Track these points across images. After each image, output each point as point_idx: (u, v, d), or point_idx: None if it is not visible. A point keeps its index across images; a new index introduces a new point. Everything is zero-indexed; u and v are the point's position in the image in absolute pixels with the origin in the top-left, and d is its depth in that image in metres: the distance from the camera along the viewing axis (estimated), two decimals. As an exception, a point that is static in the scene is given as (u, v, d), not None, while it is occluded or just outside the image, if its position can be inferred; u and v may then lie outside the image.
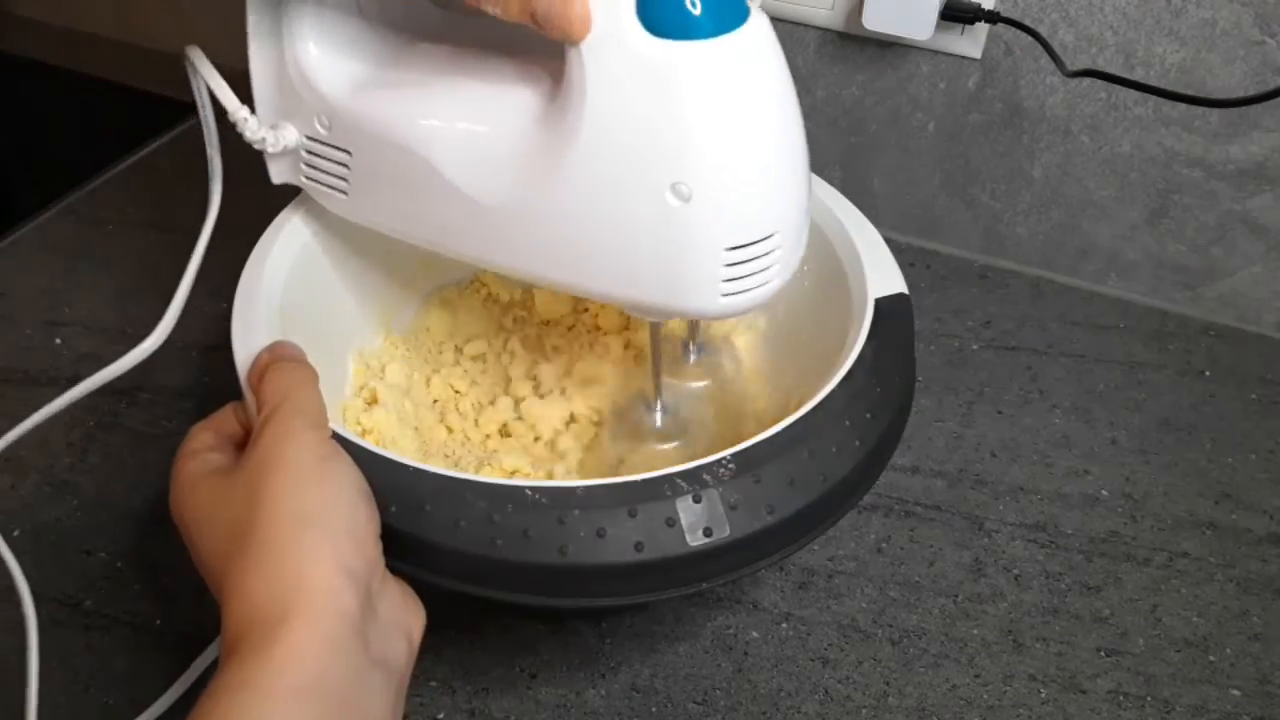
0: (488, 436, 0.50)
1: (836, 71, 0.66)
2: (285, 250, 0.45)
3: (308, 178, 0.44)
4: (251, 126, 0.42)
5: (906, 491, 0.54)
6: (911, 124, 0.67)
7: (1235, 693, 0.46)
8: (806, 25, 0.65)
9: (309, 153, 0.43)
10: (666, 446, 0.46)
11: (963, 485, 0.54)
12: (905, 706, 0.45)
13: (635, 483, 0.35)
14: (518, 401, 0.51)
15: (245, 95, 0.43)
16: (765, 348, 0.52)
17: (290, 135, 0.43)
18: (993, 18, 0.59)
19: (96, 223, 0.69)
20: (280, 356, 0.38)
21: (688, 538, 0.34)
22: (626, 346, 0.53)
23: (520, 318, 0.55)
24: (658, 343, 0.44)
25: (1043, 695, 0.45)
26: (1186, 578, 0.50)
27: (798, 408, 0.38)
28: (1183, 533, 0.52)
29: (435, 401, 0.51)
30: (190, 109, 0.44)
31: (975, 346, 0.63)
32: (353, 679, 0.30)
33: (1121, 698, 0.45)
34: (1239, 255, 0.64)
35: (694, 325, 0.49)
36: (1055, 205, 0.67)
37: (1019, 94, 0.63)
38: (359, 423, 0.46)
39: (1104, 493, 0.54)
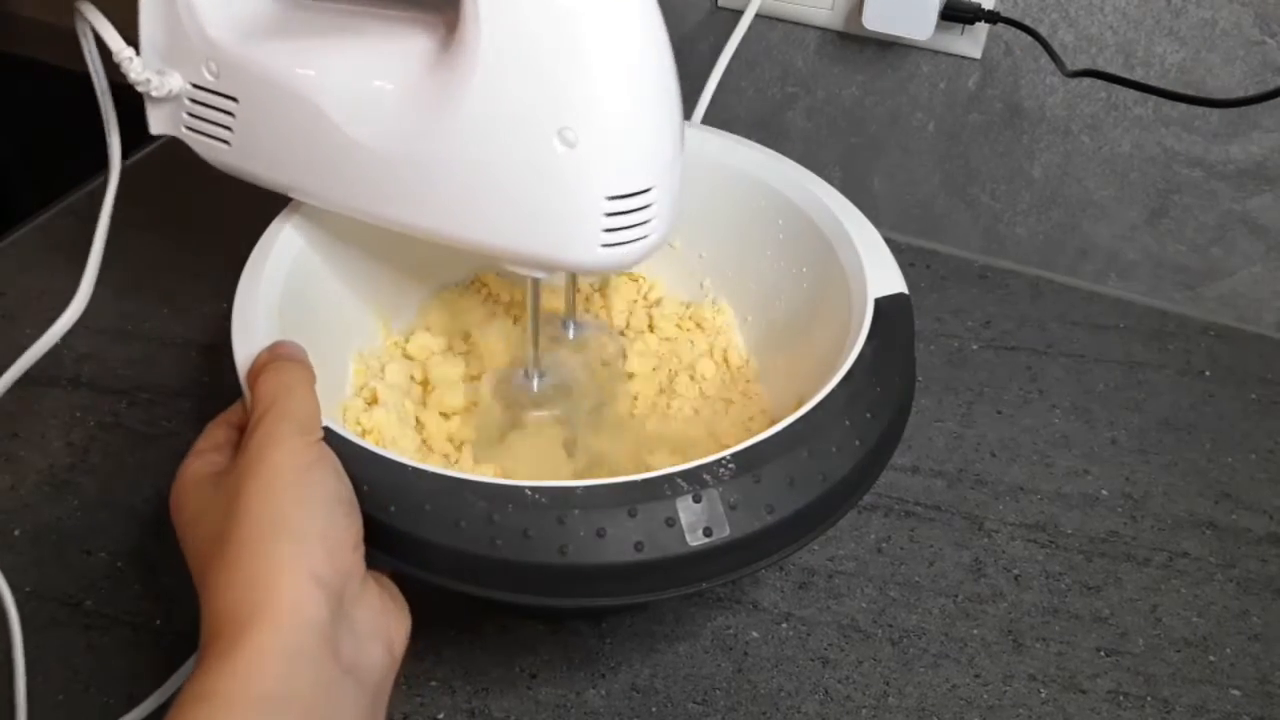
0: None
1: (836, 71, 0.66)
2: (285, 250, 0.45)
3: (189, 127, 0.43)
4: (136, 67, 0.42)
5: (906, 491, 0.54)
6: (911, 124, 0.67)
7: (1235, 693, 0.46)
8: (806, 25, 0.65)
9: (193, 100, 0.43)
10: (542, 413, 0.47)
11: (963, 485, 0.54)
12: (905, 706, 0.45)
13: (635, 482, 0.35)
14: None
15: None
16: (765, 348, 0.52)
17: (175, 81, 0.42)
18: (993, 18, 0.59)
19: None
20: (279, 356, 0.38)
21: (687, 537, 0.34)
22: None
23: (520, 317, 0.55)
24: (538, 302, 0.44)
25: (1043, 695, 0.45)
26: (1186, 578, 0.50)
27: (797, 407, 0.38)
28: (1183, 533, 0.52)
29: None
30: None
31: (975, 346, 0.63)
32: (320, 687, 0.30)
33: (1121, 698, 0.45)
34: (1239, 255, 0.64)
35: (571, 297, 0.49)
36: (1055, 205, 0.67)
37: (1019, 94, 0.63)
38: (359, 423, 0.46)
39: (1104, 493, 0.54)
